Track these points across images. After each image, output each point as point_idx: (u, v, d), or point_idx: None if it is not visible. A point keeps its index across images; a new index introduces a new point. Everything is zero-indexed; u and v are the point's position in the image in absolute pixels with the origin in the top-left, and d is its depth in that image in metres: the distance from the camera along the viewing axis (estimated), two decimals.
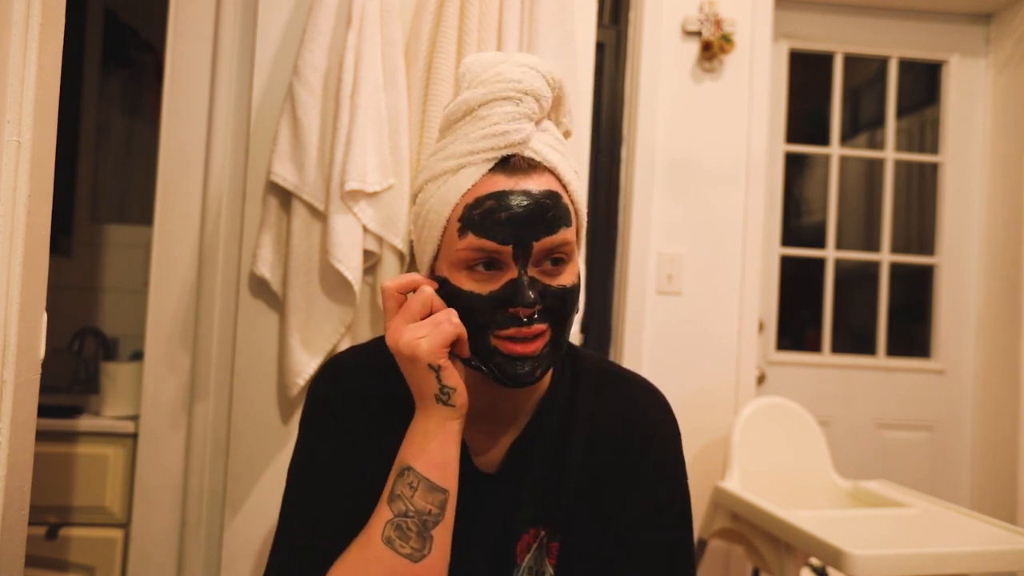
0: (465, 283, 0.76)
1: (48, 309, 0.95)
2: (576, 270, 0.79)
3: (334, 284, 1.74)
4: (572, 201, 0.79)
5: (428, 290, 0.77)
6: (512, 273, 0.75)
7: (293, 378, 1.74)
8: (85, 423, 1.86)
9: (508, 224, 0.73)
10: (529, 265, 0.75)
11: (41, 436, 0.97)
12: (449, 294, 0.77)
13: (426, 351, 0.74)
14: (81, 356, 2.30)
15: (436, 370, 0.75)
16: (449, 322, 0.75)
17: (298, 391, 1.76)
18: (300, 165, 1.73)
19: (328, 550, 0.77)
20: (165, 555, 1.86)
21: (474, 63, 0.82)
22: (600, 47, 2.31)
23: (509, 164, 0.76)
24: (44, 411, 1.06)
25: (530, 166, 0.76)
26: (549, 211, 0.75)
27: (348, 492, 0.81)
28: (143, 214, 2.34)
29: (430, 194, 0.79)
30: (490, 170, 0.75)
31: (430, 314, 0.77)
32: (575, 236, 0.79)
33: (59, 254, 2.36)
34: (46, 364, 0.94)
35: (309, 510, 0.81)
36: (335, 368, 0.89)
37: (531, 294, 0.74)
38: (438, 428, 0.76)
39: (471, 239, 0.74)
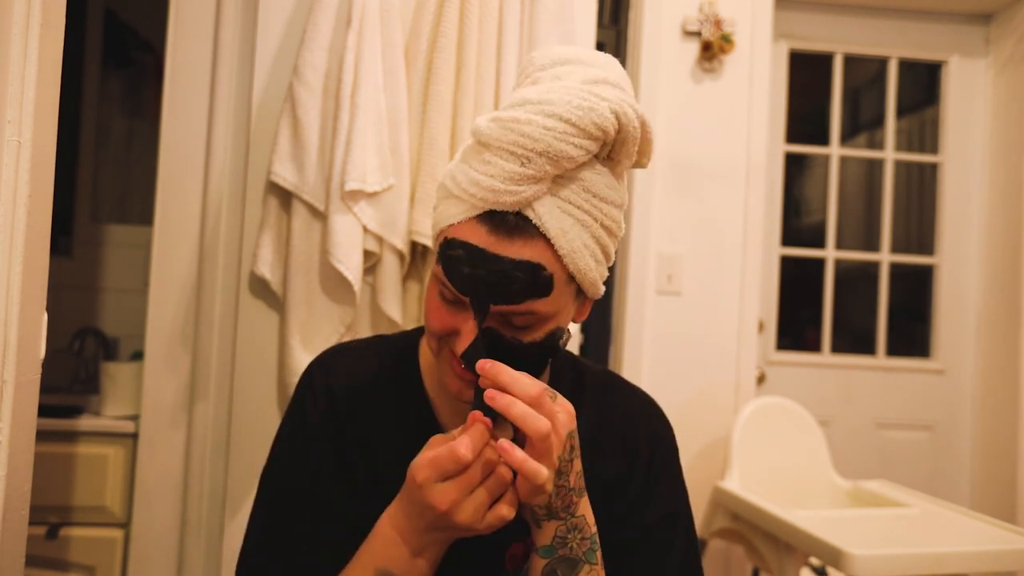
0: (435, 297, 0.74)
1: (48, 309, 0.95)
2: (552, 328, 0.73)
3: (334, 284, 1.74)
4: (567, 271, 0.71)
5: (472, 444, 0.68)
6: (468, 320, 0.71)
7: (293, 378, 1.74)
8: (85, 423, 1.86)
9: (469, 280, 0.69)
10: (488, 319, 0.71)
11: (41, 436, 0.97)
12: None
13: (487, 526, 0.69)
14: (81, 356, 2.30)
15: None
16: (509, 505, 0.69)
17: None
18: (300, 165, 1.73)
19: None
20: (165, 555, 1.86)
21: (533, 63, 0.76)
22: (600, 47, 2.31)
23: (495, 220, 0.69)
24: (44, 411, 1.06)
25: (517, 230, 0.69)
26: (516, 284, 0.68)
27: (321, 521, 0.78)
28: (143, 214, 2.34)
29: (439, 198, 0.76)
30: (477, 216, 0.70)
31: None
32: (559, 304, 0.72)
33: (59, 254, 2.36)
34: (46, 364, 0.94)
35: (278, 538, 0.79)
36: (324, 365, 0.85)
37: (469, 351, 0.70)
38: (433, 550, 0.72)
39: (440, 272, 0.72)
